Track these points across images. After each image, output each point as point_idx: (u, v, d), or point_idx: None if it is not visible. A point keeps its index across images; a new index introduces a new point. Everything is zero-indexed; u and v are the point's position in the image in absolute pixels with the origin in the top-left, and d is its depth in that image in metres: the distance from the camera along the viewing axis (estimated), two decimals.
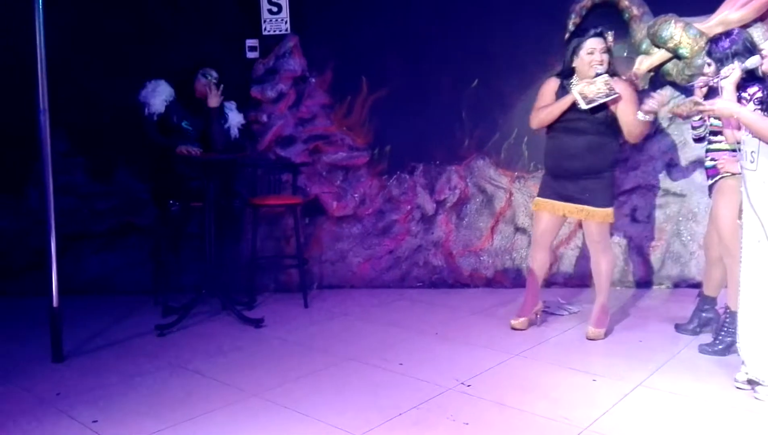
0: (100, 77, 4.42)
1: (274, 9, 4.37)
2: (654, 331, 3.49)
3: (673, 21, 3.98)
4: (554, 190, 3.42)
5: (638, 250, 4.39)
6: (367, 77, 4.48)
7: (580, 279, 4.41)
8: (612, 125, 3.33)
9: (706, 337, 3.28)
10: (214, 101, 3.92)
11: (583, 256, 4.40)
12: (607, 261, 3.44)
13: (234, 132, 4.14)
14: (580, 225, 4.35)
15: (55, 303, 3.08)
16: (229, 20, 4.47)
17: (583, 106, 3.22)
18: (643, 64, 4.16)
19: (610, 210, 3.36)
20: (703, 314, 3.41)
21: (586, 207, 3.34)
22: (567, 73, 3.38)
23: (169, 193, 3.95)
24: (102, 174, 4.51)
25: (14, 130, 4.24)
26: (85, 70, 4.40)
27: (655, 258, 4.37)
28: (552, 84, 3.44)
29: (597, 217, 3.34)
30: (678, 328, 3.46)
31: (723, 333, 3.10)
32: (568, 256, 4.44)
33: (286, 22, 4.38)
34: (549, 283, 4.42)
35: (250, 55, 4.48)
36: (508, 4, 4.35)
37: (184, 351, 3.30)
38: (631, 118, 3.25)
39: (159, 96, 3.85)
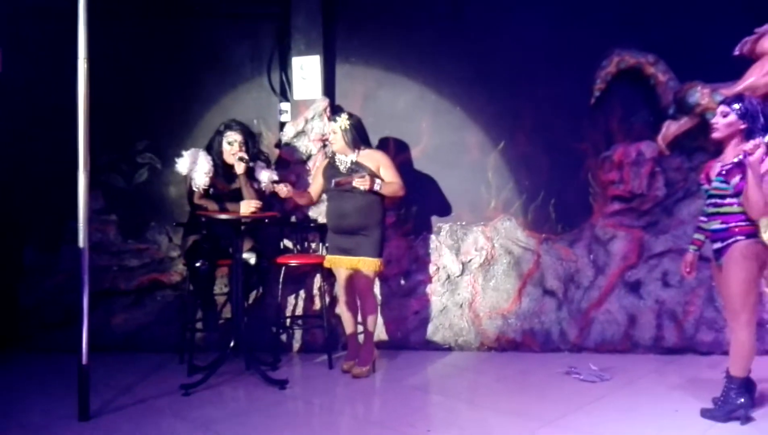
0: (133, 140, 4.60)
1: (306, 75, 4.51)
2: (690, 401, 3.37)
3: (699, 87, 4.05)
4: (337, 245, 3.93)
5: (671, 315, 4.29)
6: (394, 138, 4.56)
7: (611, 344, 4.30)
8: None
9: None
10: (239, 169, 3.98)
11: (614, 321, 4.31)
12: (375, 306, 3.99)
13: (269, 188, 4.15)
14: (608, 290, 4.32)
15: (84, 361, 3.09)
16: (262, 84, 4.64)
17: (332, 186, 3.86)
18: (670, 129, 4.20)
19: (379, 260, 3.88)
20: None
21: (361, 258, 3.84)
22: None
23: (198, 252, 4.00)
24: (133, 232, 4.60)
25: (52, 190, 4.39)
26: (123, 132, 4.56)
27: (688, 324, 4.26)
28: (323, 163, 4.10)
29: (370, 266, 3.84)
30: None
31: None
32: (599, 320, 4.35)
33: (317, 87, 4.51)
34: (579, 348, 4.33)
35: (281, 118, 4.62)
36: (536, 68, 4.45)
37: (209, 411, 3.27)
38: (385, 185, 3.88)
39: (201, 170, 3.94)
